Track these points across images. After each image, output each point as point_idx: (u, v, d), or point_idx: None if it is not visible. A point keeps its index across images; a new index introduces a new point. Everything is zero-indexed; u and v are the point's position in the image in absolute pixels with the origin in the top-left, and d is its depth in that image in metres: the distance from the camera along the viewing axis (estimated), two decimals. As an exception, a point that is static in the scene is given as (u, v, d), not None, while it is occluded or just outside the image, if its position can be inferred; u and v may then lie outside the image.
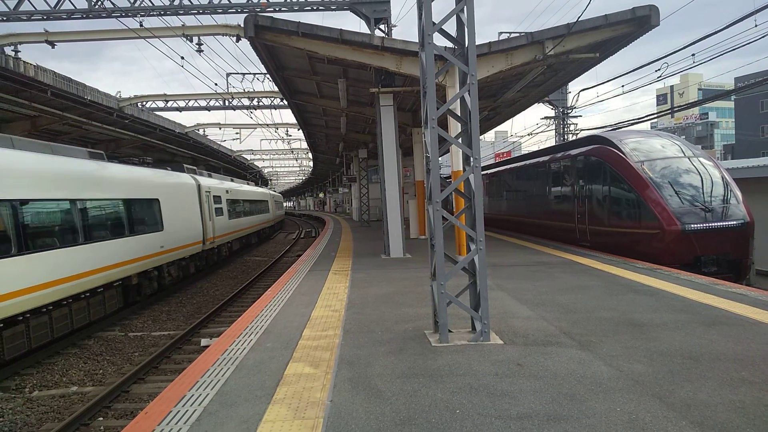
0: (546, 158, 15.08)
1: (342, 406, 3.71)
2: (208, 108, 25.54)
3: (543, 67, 11.44)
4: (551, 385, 3.95)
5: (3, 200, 8.10)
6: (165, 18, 16.35)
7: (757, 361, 4.26)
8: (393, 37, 16.15)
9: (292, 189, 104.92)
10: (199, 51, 17.54)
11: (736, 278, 9.41)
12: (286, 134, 36.23)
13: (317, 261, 12.08)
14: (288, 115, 43.58)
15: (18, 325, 8.28)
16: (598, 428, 3.24)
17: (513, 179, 18.49)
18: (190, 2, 16.25)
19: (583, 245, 12.20)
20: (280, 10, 16.38)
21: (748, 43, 12.82)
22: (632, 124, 19.07)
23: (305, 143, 33.78)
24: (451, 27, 5.43)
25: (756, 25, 14.46)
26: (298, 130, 28.86)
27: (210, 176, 21.40)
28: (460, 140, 5.30)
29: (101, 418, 6.62)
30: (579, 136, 26.04)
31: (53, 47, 17.33)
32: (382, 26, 16.13)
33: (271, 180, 73.49)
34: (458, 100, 5.28)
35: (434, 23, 5.07)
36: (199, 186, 17.76)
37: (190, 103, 25.42)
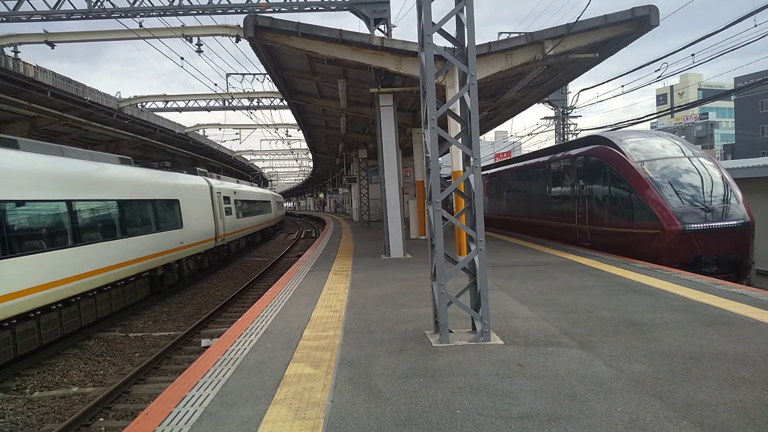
0: (546, 158, 15.08)
1: (342, 407, 3.71)
2: (207, 108, 25.52)
3: (543, 67, 11.44)
4: (552, 385, 3.95)
5: (75, 200, 9.97)
6: (164, 18, 16.35)
7: (757, 361, 4.26)
8: (392, 37, 16.16)
9: (292, 189, 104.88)
10: (199, 51, 17.51)
11: (736, 278, 9.41)
12: (286, 134, 36.21)
13: (317, 261, 12.08)
14: (288, 116, 43.55)
15: (71, 306, 9.78)
16: (599, 428, 3.24)
17: (513, 179, 18.49)
18: (190, 3, 16.25)
19: (583, 245, 12.20)
20: (279, 11, 16.38)
21: (748, 43, 12.84)
22: (632, 124, 19.08)
23: (305, 143, 33.77)
24: (450, 27, 5.44)
25: (756, 25, 14.50)
26: (298, 130, 28.85)
27: (219, 178, 22.90)
28: (459, 140, 5.30)
29: (102, 419, 6.62)
30: (579, 136, 26.04)
31: (53, 48, 17.31)
32: (381, 26, 16.12)
33: (271, 181, 73.54)
34: (458, 100, 5.28)
35: (434, 23, 5.07)
36: (211, 187, 19.24)
37: (190, 104, 25.40)
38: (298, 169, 72.04)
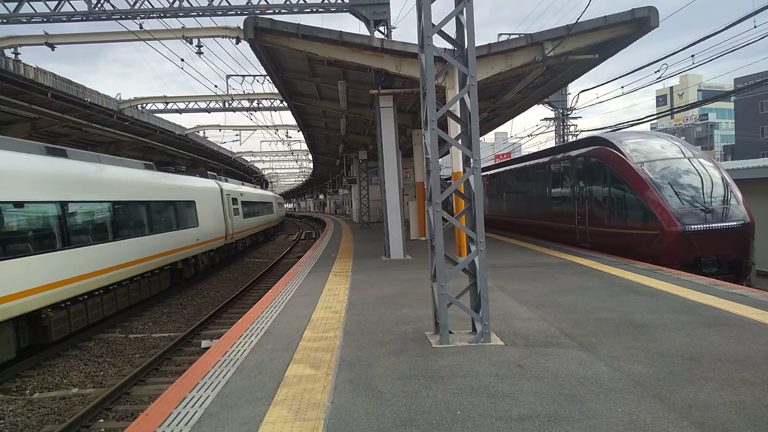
0: (546, 159, 15.09)
1: (343, 408, 3.71)
2: (208, 110, 25.55)
3: (542, 68, 11.44)
4: (552, 386, 3.95)
5: (115, 201, 11.57)
6: (165, 20, 16.36)
7: (758, 362, 4.26)
8: (392, 39, 16.16)
9: (292, 190, 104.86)
10: (199, 53, 17.52)
11: (736, 279, 9.41)
12: (286, 136, 36.22)
13: (317, 262, 12.08)
14: (288, 117, 43.61)
15: (110, 293, 11.11)
16: (599, 429, 3.24)
17: (513, 180, 18.49)
18: (190, 4, 16.27)
19: (583, 246, 12.21)
20: (279, 12, 16.39)
21: (748, 44, 12.82)
22: (632, 125, 19.11)
23: (305, 145, 33.77)
24: (450, 29, 5.44)
25: (755, 26, 14.51)
26: (298, 131, 28.87)
27: (227, 181, 24.41)
28: (459, 141, 5.31)
29: (102, 420, 6.62)
30: (579, 137, 26.05)
31: (53, 49, 17.34)
32: (381, 28, 16.13)
33: (271, 182, 73.57)
34: (458, 101, 5.29)
35: (434, 25, 5.08)
36: (221, 190, 20.79)
37: (190, 105, 25.42)
38: (298, 171, 72.06)
